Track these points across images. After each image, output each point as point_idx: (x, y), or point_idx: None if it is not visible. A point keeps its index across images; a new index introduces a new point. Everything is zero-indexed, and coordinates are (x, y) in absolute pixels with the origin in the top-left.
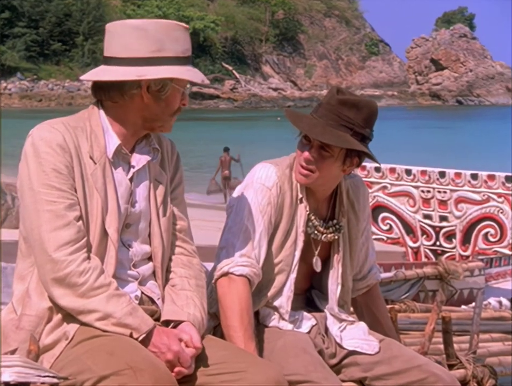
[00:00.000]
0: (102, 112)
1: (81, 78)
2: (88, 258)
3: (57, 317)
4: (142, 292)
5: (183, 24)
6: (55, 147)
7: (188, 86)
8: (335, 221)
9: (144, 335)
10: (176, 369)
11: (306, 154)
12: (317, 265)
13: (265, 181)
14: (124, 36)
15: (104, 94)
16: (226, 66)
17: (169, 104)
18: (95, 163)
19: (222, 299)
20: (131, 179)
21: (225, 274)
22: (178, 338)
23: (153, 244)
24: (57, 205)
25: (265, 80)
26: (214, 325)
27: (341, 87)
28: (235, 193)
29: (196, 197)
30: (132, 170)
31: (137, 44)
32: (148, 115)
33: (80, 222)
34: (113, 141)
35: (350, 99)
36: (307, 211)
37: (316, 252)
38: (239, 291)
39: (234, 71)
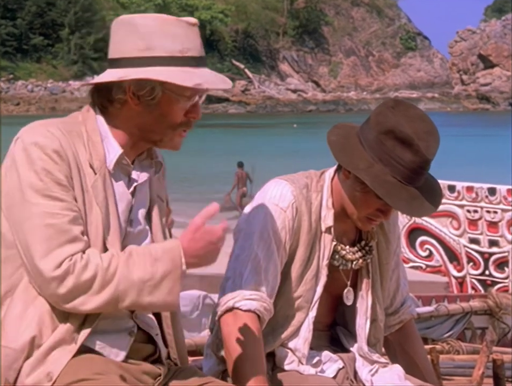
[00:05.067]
0: (99, 116)
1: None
2: (83, 252)
3: (39, 352)
4: (137, 326)
5: (189, 19)
6: (51, 153)
7: (197, 97)
8: (363, 243)
9: (185, 266)
10: (220, 226)
11: (384, 218)
12: (349, 298)
13: (280, 201)
14: (115, 33)
15: (98, 98)
16: (237, 63)
17: (164, 113)
18: (96, 173)
19: (228, 339)
20: (132, 194)
21: (230, 309)
22: (193, 228)
23: None
24: (60, 218)
25: (282, 80)
26: (223, 369)
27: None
28: (244, 215)
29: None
30: (134, 184)
31: (123, 42)
32: (142, 125)
33: (86, 237)
34: (114, 150)
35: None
36: (333, 242)
37: (349, 283)
38: (247, 329)
39: (246, 70)
